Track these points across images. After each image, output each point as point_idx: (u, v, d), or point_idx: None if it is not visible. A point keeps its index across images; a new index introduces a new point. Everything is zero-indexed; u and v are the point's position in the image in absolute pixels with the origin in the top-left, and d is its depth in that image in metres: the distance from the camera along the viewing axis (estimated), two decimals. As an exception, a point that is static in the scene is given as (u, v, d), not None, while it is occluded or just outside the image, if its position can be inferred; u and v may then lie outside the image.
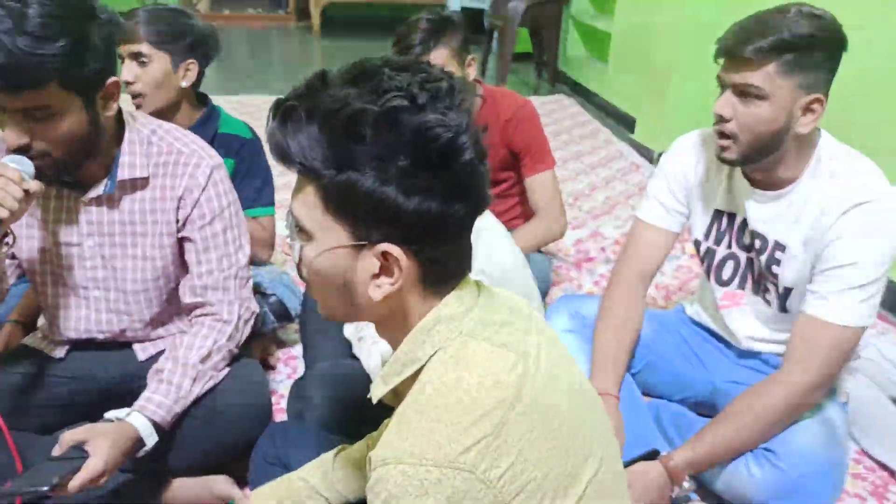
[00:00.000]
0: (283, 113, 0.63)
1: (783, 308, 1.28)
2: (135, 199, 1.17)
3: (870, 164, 1.17)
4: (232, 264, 1.23)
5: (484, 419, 0.60)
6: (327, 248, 0.65)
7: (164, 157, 1.17)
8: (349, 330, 1.42)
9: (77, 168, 1.08)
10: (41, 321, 1.40)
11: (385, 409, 0.73)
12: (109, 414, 1.10)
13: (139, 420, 1.09)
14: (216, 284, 1.22)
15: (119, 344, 1.29)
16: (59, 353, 1.28)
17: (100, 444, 1.01)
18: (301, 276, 0.71)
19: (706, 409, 1.44)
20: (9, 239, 1.03)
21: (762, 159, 1.17)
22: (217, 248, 1.21)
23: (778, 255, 1.24)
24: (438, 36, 1.56)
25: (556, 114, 4.12)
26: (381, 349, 1.29)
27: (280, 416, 1.48)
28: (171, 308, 1.29)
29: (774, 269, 1.25)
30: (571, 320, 1.46)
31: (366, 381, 1.27)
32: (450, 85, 0.63)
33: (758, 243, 1.27)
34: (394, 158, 0.60)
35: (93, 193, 1.14)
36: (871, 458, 1.46)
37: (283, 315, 1.64)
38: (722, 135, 1.16)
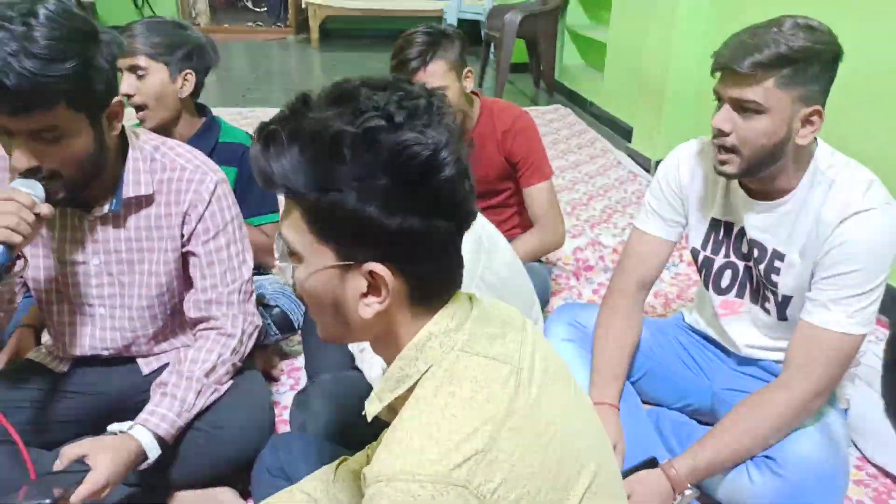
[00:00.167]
0: (265, 137, 0.63)
1: (782, 316, 1.29)
2: (140, 216, 1.17)
3: (868, 173, 1.17)
4: (236, 278, 1.24)
5: (475, 435, 0.60)
6: (316, 270, 0.66)
7: (167, 174, 1.17)
8: (351, 341, 1.42)
9: (84, 187, 1.09)
10: (45, 338, 1.40)
11: (386, 420, 0.74)
12: (112, 427, 1.10)
13: (142, 433, 1.10)
14: (220, 299, 1.22)
15: (123, 359, 1.29)
16: (63, 367, 1.29)
17: (101, 457, 1.01)
18: (296, 296, 0.72)
19: (706, 416, 1.45)
20: (20, 262, 1.04)
21: (761, 172, 1.17)
22: (221, 263, 1.22)
23: (776, 263, 1.24)
24: (435, 49, 1.58)
25: (553, 123, 4.14)
26: (382, 361, 1.30)
27: (283, 427, 1.48)
28: (175, 322, 1.29)
29: (773, 277, 1.25)
30: (571, 329, 1.46)
31: (368, 392, 1.27)
32: (428, 102, 0.63)
33: (756, 252, 1.27)
34: (374, 178, 0.60)
35: (98, 212, 1.15)
36: (873, 464, 1.46)
37: (286, 326, 1.65)
38: (722, 148, 1.16)
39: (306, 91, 0.65)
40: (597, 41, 4.33)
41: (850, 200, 1.13)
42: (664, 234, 1.38)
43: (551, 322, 1.51)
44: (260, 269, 1.74)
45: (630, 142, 3.59)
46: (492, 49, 4.81)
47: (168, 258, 1.20)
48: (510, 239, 1.66)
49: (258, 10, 7.63)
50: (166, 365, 1.27)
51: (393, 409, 0.70)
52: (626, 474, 1.19)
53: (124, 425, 1.10)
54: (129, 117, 1.48)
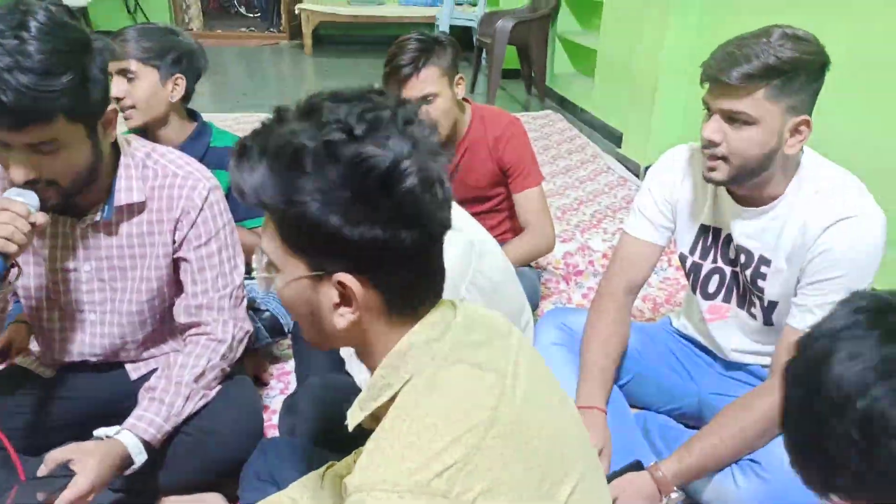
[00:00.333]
0: (238, 153, 0.65)
1: (768, 321, 1.30)
2: (132, 223, 1.17)
3: (854, 179, 1.18)
4: (227, 284, 1.24)
5: (456, 444, 0.60)
6: (291, 280, 0.67)
7: (159, 181, 1.17)
8: (341, 345, 1.42)
9: (78, 194, 1.08)
10: (33, 345, 1.39)
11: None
12: (98, 432, 1.10)
13: (128, 438, 1.09)
14: (211, 304, 1.22)
15: (111, 364, 1.29)
16: (50, 373, 1.28)
17: (86, 462, 1.01)
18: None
19: (693, 420, 1.46)
20: (14, 271, 1.04)
21: (749, 180, 1.18)
22: (212, 268, 1.22)
23: (763, 269, 1.25)
24: (428, 56, 1.59)
25: (545, 129, 4.16)
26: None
27: (272, 431, 1.48)
28: (165, 328, 1.29)
29: (760, 283, 1.27)
30: (560, 333, 1.47)
31: (357, 396, 1.28)
32: (392, 112, 0.64)
33: (743, 258, 1.29)
34: (335, 190, 0.61)
35: (90, 219, 1.14)
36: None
37: (277, 330, 1.65)
38: (712, 157, 1.16)
39: (282, 106, 0.66)
40: (587, 48, 4.36)
41: (836, 207, 1.14)
42: (653, 239, 1.39)
43: (541, 326, 1.52)
44: (251, 272, 1.74)
45: (620, 147, 3.62)
46: (483, 55, 4.83)
47: (160, 264, 1.20)
48: (501, 244, 1.67)
49: (251, 15, 7.63)
50: (154, 370, 1.26)
51: (376, 417, 0.70)
52: (612, 477, 1.19)
53: (111, 430, 1.09)
54: (120, 125, 1.49)
